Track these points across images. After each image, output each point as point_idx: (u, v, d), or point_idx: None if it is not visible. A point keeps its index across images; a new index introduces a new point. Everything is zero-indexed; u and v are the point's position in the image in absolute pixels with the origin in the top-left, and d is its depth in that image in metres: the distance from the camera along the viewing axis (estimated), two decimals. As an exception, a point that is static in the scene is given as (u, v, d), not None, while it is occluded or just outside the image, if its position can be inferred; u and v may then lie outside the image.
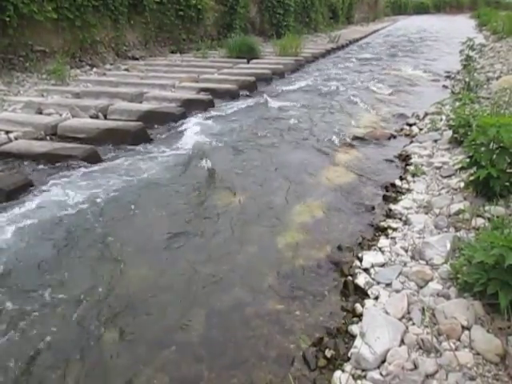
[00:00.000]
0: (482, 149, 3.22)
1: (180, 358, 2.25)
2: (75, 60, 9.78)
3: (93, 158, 4.81)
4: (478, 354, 1.96)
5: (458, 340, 2.05)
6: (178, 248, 3.24)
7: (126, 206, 3.84)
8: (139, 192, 4.12)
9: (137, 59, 11.35)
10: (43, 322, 2.47)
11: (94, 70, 9.77)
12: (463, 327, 2.09)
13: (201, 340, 2.36)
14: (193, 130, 5.96)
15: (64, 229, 3.45)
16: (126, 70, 10.09)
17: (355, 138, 5.76)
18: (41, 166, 4.62)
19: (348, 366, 2.05)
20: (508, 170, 3.17)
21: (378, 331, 2.11)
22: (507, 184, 3.18)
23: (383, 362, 2.01)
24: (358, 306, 2.49)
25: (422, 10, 50.74)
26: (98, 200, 3.92)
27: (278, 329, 2.42)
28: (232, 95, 8.00)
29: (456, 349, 1.99)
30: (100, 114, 6.39)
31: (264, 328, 2.42)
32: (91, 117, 6.26)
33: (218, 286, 2.81)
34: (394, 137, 5.84)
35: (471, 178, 3.37)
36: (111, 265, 3.02)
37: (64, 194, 4.01)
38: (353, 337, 2.26)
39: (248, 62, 11.15)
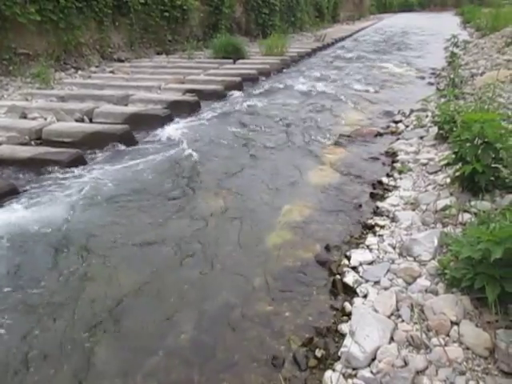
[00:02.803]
0: (467, 144, 3.24)
1: (169, 363, 2.22)
2: (60, 63, 9.67)
3: (78, 162, 4.76)
4: (468, 348, 1.97)
5: (447, 335, 2.06)
6: (164, 252, 3.20)
7: (112, 210, 3.81)
8: (124, 196, 4.08)
9: (122, 61, 11.26)
10: (26, 330, 2.44)
11: (79, 72, 9.67)
12: (452, 322, 2.10)
13: (190, 344, 2.34)
14: (179, 132, 5.92)
15: (49, 234, 3.40)
16: (112, 72, 10.00)
17: (342, 136, 5.77)
18: (26, 172, 4.55)
19: (338, 366, 2.05)
20: (493, 165, 3.20)
21: (367, 329, 2.11)
22: (492, 179, 3.20)
23: (373, 359, 2.00)
24: (347, 304, 2.48)
25: (406, 7, 51.19)
26: (83, 205, 3.88)
27: (268, 330, 2.40)
28: (218, 96, 7.97)
29: (445, 344, 2.00)
30: (85, 118, 6.32)
31: (254, 330, 2.41)
32: (76, 120, 6.19)
33: (206, 289, 2.78)
34: (381, 134, 5.86)
35: (457, 173, 3.39)
36: (96, 271, 2.98)
37: (48, 198, 3.96)
38: (343, 336, 2.25)
39: (234, 63, 11.13)
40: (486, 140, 3.17)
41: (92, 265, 3.04)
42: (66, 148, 5.04)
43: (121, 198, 4.03)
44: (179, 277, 2.91)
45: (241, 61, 11.36)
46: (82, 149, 5.09)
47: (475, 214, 2.97)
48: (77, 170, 4.61)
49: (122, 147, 5.35)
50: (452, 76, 7.21)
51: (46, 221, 3.59)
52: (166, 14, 12.44)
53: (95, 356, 2.27)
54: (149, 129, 6.07)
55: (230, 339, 2.36)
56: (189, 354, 2.28)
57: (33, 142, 5.47)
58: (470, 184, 3.28)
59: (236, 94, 8.38)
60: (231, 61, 11.23)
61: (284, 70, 11.35)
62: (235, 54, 11.55)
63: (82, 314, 2.57)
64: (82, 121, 6.24)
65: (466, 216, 3.00)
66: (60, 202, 3.92)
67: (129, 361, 2.24)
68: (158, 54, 12.65)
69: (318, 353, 2.20)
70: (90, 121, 6.32)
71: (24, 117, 6.26)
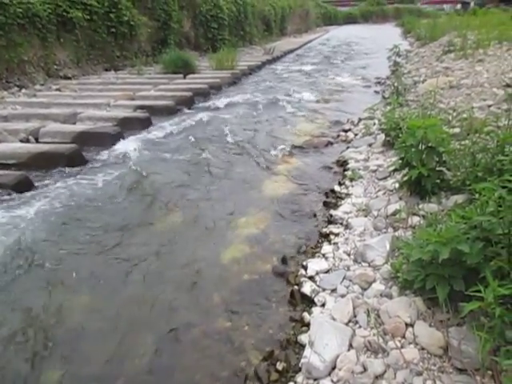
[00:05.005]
0: (412, 150, 3.36)
1: (127, 389, 2.15)
2: (1, 81, 9.29)
3: (24, 185, 4.56)
4: (423, 348, 2.01)
5: (403, 337, 2.10)
6: (119, 273, 3.11)
7: (61, 233, 3.67)
8: (75, 217, 3.94)
9: (69, 78, 10.96)
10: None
11: (23, 91, 9.32)
12: (407, 324, 2.14)
13: (149, 367, 2.27)
14: (130, 149, 5.81)
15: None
16: (58, 89, 9.69)
17: (294, 147, 5.85)
18: (-34, 198, 4.31)
19: (300, 377, 2.04)
20: (437, 168, 3.33)
21: (325, 338, 2.12)
22: (438, 181, 3.33)
23: (334, 368, 2.01)
24: (305, 314, 2.49)
25: (351, 19, 53.23)
26: (30, 229, 3.71)
27: (229, 347, 2.37)
28: (169, 111, 7.91)
29: (402, 346, 2.04)
30: (31, 138, 6.09)
31: (214, 348, 2.37)
32: (21, 141, 5.95)
33: (164, 308, 2.72)
34: (332, 143, 6.00)
35: (404, 178, 3.50)
36: (47, 296, 2.85)
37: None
38: (303, 346, 2.25)
39: (184, 77, 11.09)
40: (429, 145, 3.30)
41: (39, 290, 2.90)
42: (10, 170, 4.82)
43: (71, 220, 3.88)
44: (134, 297, 2.83)
45: (191, 75, 11.33)
46: (29, 170, 4.89)
47: (423, 216, 3.07)
48: (23, 193, 4.40)
49: (71, 167, 5.17)
50: (396, 84, 7.49)
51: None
52: (113, 29, 12.25)
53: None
54: (99, 147, 5.91)
55: (189, 359, 2.31)
56: (147, 377, 2.21)
57: (-27, 166, 5.19)
58: (418, 188, 3.40)
59: (187, 108, 8.34)
60: (181, 76, 11.18)
61: (235, 84, 11.44)
62: (185, 68, 11.51)
63: (36, 339, 2.44)
64: (28, 141, 6.00)
65: (415, 219, 3.10)
66: (5, 227, 3.72)
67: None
68: (107, 70, 12.41)
69: (279, 366, 2.18)
70: (36, 141, 6.08)
71: (-37, 139, 5.93)
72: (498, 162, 2.78)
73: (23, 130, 6.13)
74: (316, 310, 2.47)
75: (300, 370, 2.09)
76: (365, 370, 1.95)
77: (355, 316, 2.31)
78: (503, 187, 2.06)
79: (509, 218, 1.91)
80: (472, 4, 40.85)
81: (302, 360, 2.10)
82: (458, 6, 48.02)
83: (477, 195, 2.35)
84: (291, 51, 20.47)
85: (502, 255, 1.96)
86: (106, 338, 2.48)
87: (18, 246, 3.45)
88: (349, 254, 2.97)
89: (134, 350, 2.39)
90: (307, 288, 2.68)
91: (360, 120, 6.73)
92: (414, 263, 2.27)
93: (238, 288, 2.88)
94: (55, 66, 10.88)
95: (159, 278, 3.04)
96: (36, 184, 4.68)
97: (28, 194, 4.43)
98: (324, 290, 2.64)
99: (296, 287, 2.76)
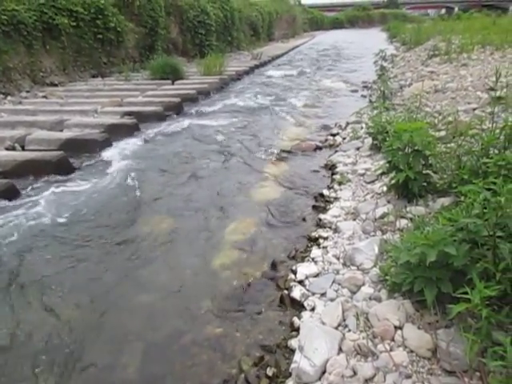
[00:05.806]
0: (399, 153, 3.39)
1: (117, 398, 2.12)
2: (-15, 89, 9.21)
3: (10, 193, 4.50)
4: (412, 351, 2.02)
5: (392, 340, 2.11)
6: (107, 281, 3.08)
7: (49, 242, 3.62)
8: (62, 226, 3.90)
9: (55, 85, 10.88)
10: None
11: (9, 98, 9.24)
12: (396, 327, 2.15)
13: (138, 376, 2.25)
14: (118, 156, 5.79)
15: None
16: (44, 96, 9.62)
17: (283, 151, 5.87)
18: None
19: (290, 382, 2.04)
20: (424, 172, 3.36)
21: (315, 343, 2.12)
22: (424, 184, 3.37)
23: (324, 372, 2.01)
24: (295, 319, 2.49)
25: (337, 24, 53.87)
26: (17, 238, 3.67)
27: (219, 354, 2.36)
28: (158, 117, 7.89)
29: (391, 349, 2.05)
30: (17, 145, 6.02)
31: (204, 355, 2.36)
32: (7, 149, 5.89)
33: (154, 316, 2.70)
34: (320, 148, 6.03)
35: (392, 181, 3.53)
36: (35, 306, 2.81)
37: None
38: (293, 351, 2.25)
39: (173, 83, 11.08)
40: (415, 148, 3.33)
41: (26, 301, 2.86)
42: (-4, 179, 4.76)
43: (60, 230, 3.84)
44: (124, 306, 2.80)
45: (179, 81, 11.32)
46: (15, 178, 4.83)
47: (411, 219, 3.09)
48: (9, 202, 4.34)
49: (59, 175, 5.12)
50: (382, 88, 7.56)
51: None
52: (100, 36, 12.20)
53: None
54: (86, 154, 5.88)
55: (179, 367, 2.29)
56: (137, 386, 2.19)
57: (-42, 175, 5.11)
58: (405, 191, 3.43)
59: (176, 114, 8.33)
60: (170, 81, 11.16)
61: (223, 89, 11.46)
62: (173, 74, 11.49)
63: (23, 350, 2.40)
64: (14, 149, 5.94)
65: (403, 222, 3.12)
66: None
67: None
68: (94, 76, 12.33)
69: (270, 371, 2.18)
70: (23, 148, 6.01)
71: None
72: (483, 164, 2.82)
73: (9, 138, 6.06)
74: (306, 314, 2.47)
75: (290, 375, 2.08)
76: (355, 373, 1.96)
77: (344, 320, 2.31)
78: (488, 189, 2.09)
79: (493, 220, 1.93)
80: (456, 9, 41.58)
81: (292, 365, 2.09)
82: (443, 11, 48.93)
83: (462, 197, 2.38)
84: (279, 56, 20.57)
85: (487, 257, 1.98)
86: (94, 346, 2.46)
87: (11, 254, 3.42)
88: (338, 258, 2.97)
89: (122, 358, 2.37)
90: (297, 292, 2.67)
91: (347, 124, 6.77)
92: (402, 266, 2.29)
93: (228, 294, 2.86)
94: (41, 73, 10.80)
95: (148, 285, 3.01)
96: (22, 192, 4.62)
97: (14, 202, 4.37)
98: (313, 294, 2.64)
99: (286, 292, 2.76)
